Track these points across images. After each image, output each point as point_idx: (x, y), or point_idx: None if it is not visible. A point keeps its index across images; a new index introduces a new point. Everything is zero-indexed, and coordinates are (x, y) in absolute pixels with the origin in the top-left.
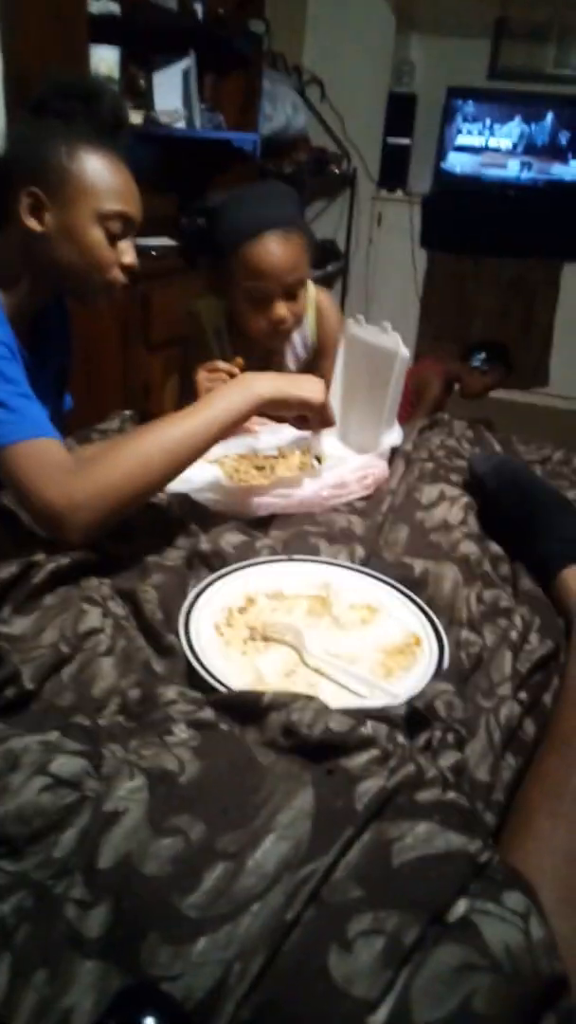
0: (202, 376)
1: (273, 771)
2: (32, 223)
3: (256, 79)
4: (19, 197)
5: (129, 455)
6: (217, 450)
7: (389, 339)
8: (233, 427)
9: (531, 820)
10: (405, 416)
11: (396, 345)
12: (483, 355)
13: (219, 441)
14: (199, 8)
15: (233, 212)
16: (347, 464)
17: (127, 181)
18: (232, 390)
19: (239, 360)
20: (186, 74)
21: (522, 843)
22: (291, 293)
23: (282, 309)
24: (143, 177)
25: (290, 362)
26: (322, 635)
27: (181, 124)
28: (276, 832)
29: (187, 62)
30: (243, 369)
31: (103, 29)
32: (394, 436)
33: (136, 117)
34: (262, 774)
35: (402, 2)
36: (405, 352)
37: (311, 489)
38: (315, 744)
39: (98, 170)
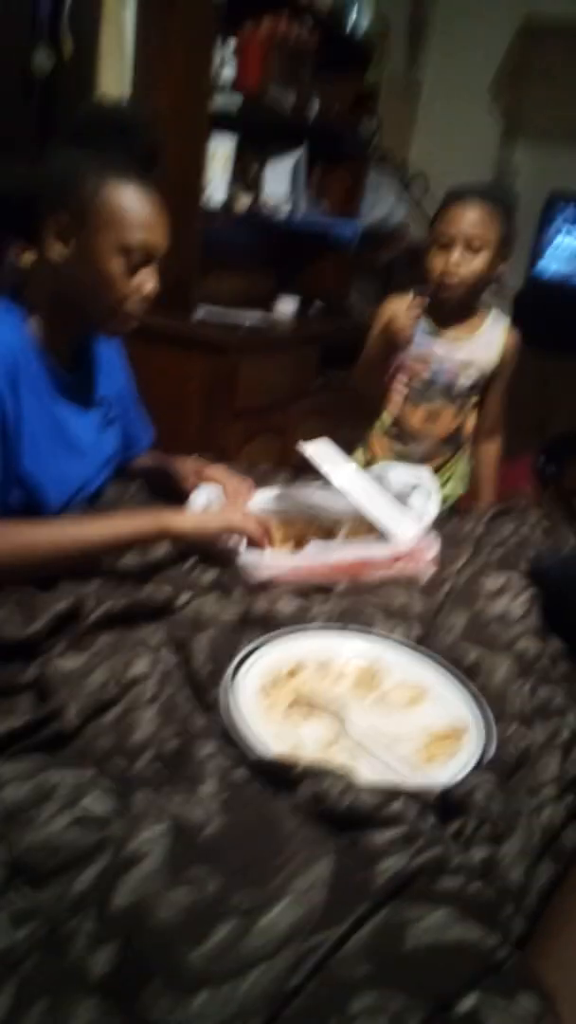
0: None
1: (297, 836)
2: (58, 247)
3: (362, 173)
4: (48, 222)
5: (20, 537)
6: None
7: (335, 470)
8: (129, 547)
9: (563, 930)
10: None
11: (336, 478)
12: (543, 458)
13: (110, 554)
14: (314, 106)
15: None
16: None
17: (152, 212)
18: (146, 518)
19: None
20: (296, 165)
21: (552, 952)
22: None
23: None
24: (245, 256)
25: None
26: (367, 710)
27: (286, 210)
28: (291, 896)
29: (298, 154)
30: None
31: (224, 120)
32: (406, 530)
33: (245, 201)
34: (286, 837)
35: (510, 108)
36: (343, 480)
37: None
38: (342, 814)
39: (124, 202)
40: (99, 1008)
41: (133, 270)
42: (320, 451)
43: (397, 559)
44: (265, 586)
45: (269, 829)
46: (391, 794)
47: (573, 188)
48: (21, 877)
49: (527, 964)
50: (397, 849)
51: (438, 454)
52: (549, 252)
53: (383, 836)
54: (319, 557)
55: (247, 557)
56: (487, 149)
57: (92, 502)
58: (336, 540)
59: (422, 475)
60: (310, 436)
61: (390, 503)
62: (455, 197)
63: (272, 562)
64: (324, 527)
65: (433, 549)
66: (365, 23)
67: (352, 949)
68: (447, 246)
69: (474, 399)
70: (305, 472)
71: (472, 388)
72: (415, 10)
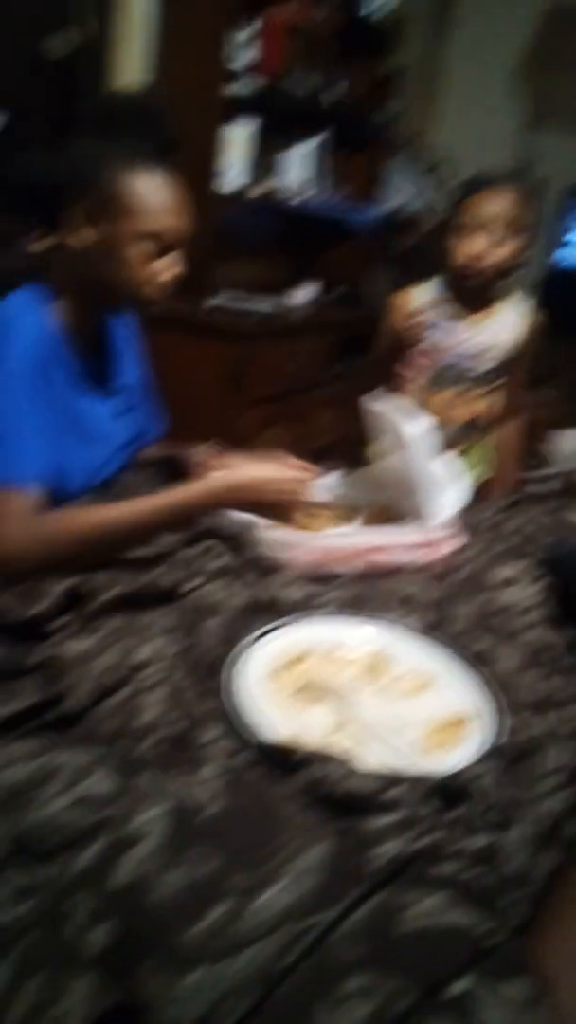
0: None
1: (294, 820)
2: (81, 234)
3: (385, 158)
4: (71, 210)
5: (85, 523)
6: None
7: (407, 421)
8: (190, 516)
9: (564, 917)
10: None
11: (410, 428)
12: None
13: (172, 528)
14: (337, 90)
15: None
16: (397, 531)
17: (175, 199)
18: (195, 484)
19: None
20: (316, 150)
21: (552, 939)
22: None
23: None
24: (263, 243)
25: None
26: (372, 698)
27: (307, 195)
28: (285, 880)
29: (320, 139)
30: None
31: (244, 103)
32: (442, 509)
33: (265, 186)
34: (283, 822)
35: (535, 95)
36: (415, 432)
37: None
38: (342, 799)
39: (142, 190)
40: (94, 984)
41: (157, 256)
42: (390, 405)
43: (420, 546)
44: (281, 567)
45: (268, 812)
46: (392, 780)
47: None
48: (23, 855)
49: (524, 950)
50: (395, 834)
51: (462, 439)
52: (570, 241)
53: (382, 821)
54: (341, 541)
55: (270, 535)
56: (511, 135)
57: (105, 489)
58: (355, 525)
59: (450, 462)
60: (325, 425)
61: (437, 479)
62: (484, 182)
63: (295, 542)
64: (344, 513)
65: (455, 540)
66: (388, 7)
67: (346, 931)
68: (478, 231)
69: (497, 382)
70: (321, 460)
71: (494, 371)
72: None
